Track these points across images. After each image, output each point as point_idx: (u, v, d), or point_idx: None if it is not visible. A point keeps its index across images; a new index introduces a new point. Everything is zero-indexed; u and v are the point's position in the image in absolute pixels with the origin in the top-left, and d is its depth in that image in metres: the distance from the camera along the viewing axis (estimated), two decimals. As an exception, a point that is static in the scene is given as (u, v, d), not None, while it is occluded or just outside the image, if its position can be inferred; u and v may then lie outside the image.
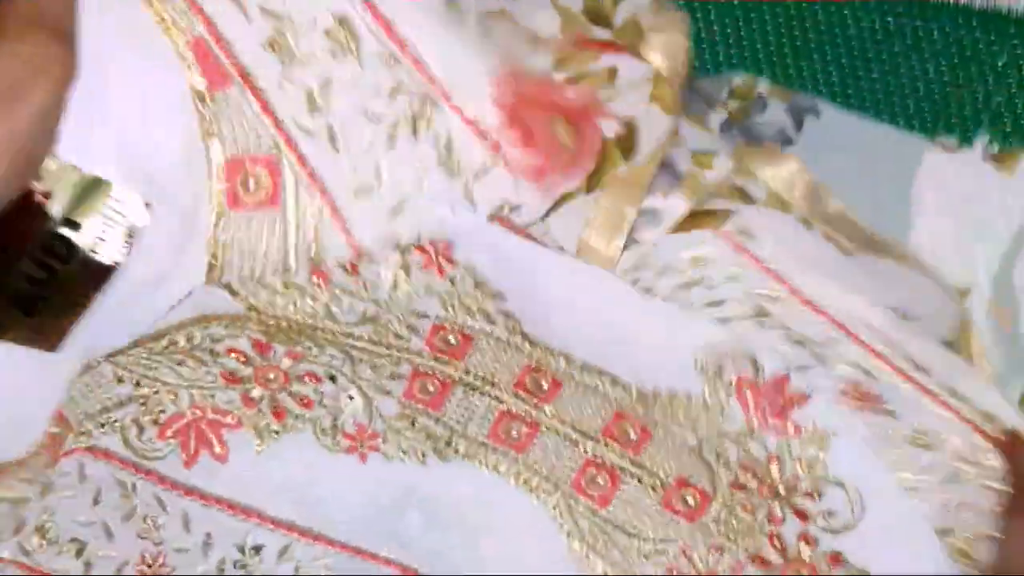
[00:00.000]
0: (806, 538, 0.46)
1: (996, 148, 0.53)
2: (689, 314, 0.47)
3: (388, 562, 0.46)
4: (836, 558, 0.45)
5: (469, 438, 0.47)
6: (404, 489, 0.46)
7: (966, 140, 0.52)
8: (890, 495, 0.46)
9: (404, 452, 0.47)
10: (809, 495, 0.46)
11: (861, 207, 0.50)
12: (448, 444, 0.47)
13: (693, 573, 0.46)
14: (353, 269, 0.46)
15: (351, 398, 0.46)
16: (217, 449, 0.46)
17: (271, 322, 0.46)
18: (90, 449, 0.45)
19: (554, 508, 0.46)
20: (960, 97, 0.49)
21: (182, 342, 0.45)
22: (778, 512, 0.46)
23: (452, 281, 0.46)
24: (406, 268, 0.46)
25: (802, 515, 0.46)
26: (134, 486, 0.45)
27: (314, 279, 0.45)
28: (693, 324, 0.47)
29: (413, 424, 0.47)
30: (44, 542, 0.45)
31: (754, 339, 0.46)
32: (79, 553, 0.45)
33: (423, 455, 0.47)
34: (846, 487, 0.46)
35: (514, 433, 0.47)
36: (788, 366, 0.46)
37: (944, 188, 0.55)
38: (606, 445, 0.46)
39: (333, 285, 0.46)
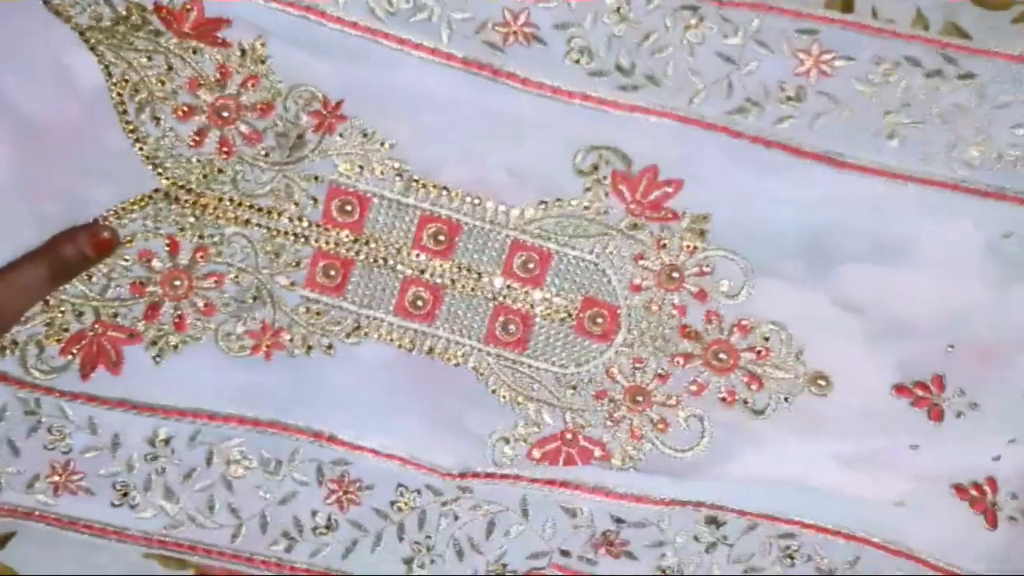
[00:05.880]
0: (710, 316, 0.46)
1: None
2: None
3: (299, 431, 0.46)
4: (743, 326, 0.46)
5: (376, 319, 0.46)
6: (314, 380, 0.46)
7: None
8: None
9: (310, 347, 0.46)
10: (702, 273, 0.46)
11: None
12: (356, 329, 0.46)
13: (622, 391, 0.47)
14: (256, 138, 0.44)
15: (254, 298, 0.45)
16: (113, 362, 0.45)
17: (186, 207, 0.45)
18: None
19: (474, 368, 0.46)
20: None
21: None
22: (678, 300, 0.46)
23: (342, 136, 0.45)
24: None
25: (701, 295, 0.46)
26: (37, 401, 0.45)
27: (221, 149, 0.44)
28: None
29: (318, 315, 0.46)
30: None
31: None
32: None
33: (330, 347, 0.46)
34: (731, 254, 0.46)
35: (419, 302, 0.46)
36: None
37: None
38: (511, 287, 0.46)
39: (239, 153, 0.45)
